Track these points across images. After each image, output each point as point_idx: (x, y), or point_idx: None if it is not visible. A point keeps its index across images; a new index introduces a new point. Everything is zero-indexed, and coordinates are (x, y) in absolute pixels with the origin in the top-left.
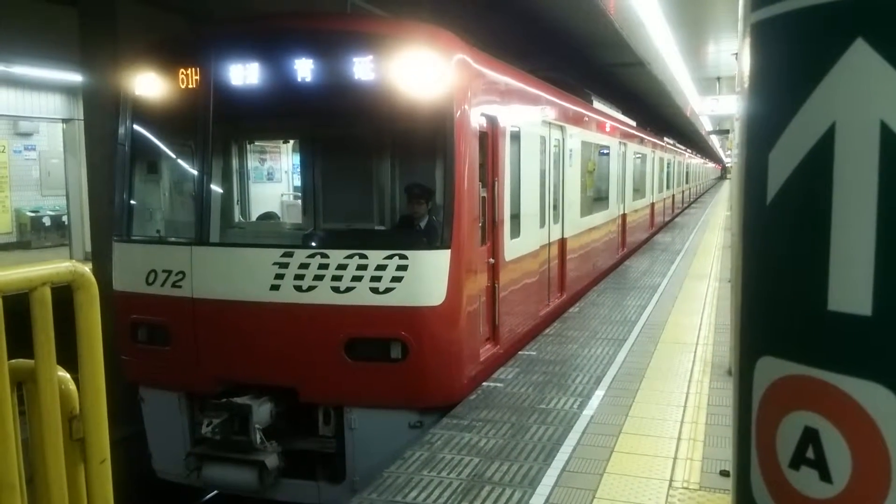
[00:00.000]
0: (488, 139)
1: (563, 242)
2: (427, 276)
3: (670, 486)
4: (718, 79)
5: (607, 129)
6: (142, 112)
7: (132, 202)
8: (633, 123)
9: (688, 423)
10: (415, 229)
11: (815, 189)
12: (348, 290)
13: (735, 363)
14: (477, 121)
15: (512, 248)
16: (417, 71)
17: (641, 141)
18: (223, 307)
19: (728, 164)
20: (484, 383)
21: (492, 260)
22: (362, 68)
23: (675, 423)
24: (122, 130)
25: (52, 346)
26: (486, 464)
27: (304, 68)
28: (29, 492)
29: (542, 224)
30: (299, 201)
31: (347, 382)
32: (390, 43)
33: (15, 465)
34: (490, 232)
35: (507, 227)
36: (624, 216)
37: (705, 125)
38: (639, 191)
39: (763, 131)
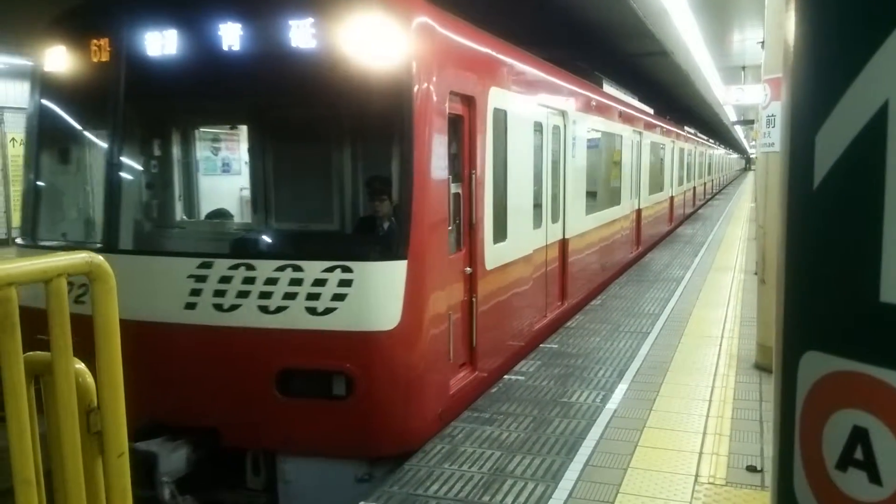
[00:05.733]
0: (464, 123)
1: (564, 244)
2: (377, 294)
3: (696, 481)
4: (743, 68)
5: (619, 116)
6: (50, 93)
7: (41, 200)
8: (651, 111)
9: (713, 417)
10: (365, 233)
11: (866, 172)
12: (279, 310)
13: (777, 359)
14: (446, 100)
15: (495, 254)
16: (367, 37)
17: (659, 130)
18: (131, 329)
19: (752, 155)
20: (505, 376)
21: (469, 269)
22: (300, 34)
23: (700, 417)
24: (30, 115)
25: (69, 339)
26: (507, 457)
27: (229, 35)
28: (46, 485)
29: (538, 224)
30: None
31: (280, 424)
32: (335, 2)
33: (31, 460)
34: (466, 235)
35: (490, 228)
36: (639, 212)
37: (730, 115)
38: (656, 183)
39: (809, 112)
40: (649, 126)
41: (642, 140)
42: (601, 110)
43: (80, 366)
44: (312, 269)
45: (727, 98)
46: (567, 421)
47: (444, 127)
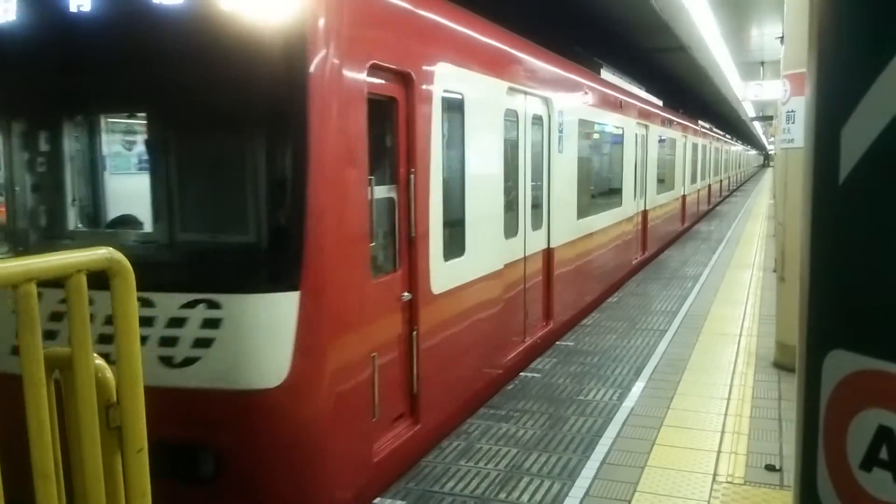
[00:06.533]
0: (397, 108)
1: (548, 254)
2: (256, 338)
3: (714, 480)
4: (762, 63)
5: (620, 107)
6: None
7: None
8: (660, 103)
9: (731, 415)
10: (241, 254)
11: (893, 166)
12: None
13: (800, 357)
14: (365, 76)
15: (447, 274)
16: None
17: (668, 123)
18: None
19: (771, 152)
20: (521, 374)
21: (407, 294)
22: None
23: (718, 415)
24: None
25: (88, 334)
26: (523, 455)
27: None
28: (65, 481)
29: (512, 233)
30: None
31: None
32: None
33: (51, 454)
34: (404, 252)
35: (438, 242)
36: (645, 213)
37: (748, 111)
38: (666, 182)
39: (834, 106)
40: (657, 119)
41: (649, 134)
42: (597, 99)
43: (100, 361)
44: (166, 303)
45: (746, 94)
46: (583, 419)
47: (362, 111)
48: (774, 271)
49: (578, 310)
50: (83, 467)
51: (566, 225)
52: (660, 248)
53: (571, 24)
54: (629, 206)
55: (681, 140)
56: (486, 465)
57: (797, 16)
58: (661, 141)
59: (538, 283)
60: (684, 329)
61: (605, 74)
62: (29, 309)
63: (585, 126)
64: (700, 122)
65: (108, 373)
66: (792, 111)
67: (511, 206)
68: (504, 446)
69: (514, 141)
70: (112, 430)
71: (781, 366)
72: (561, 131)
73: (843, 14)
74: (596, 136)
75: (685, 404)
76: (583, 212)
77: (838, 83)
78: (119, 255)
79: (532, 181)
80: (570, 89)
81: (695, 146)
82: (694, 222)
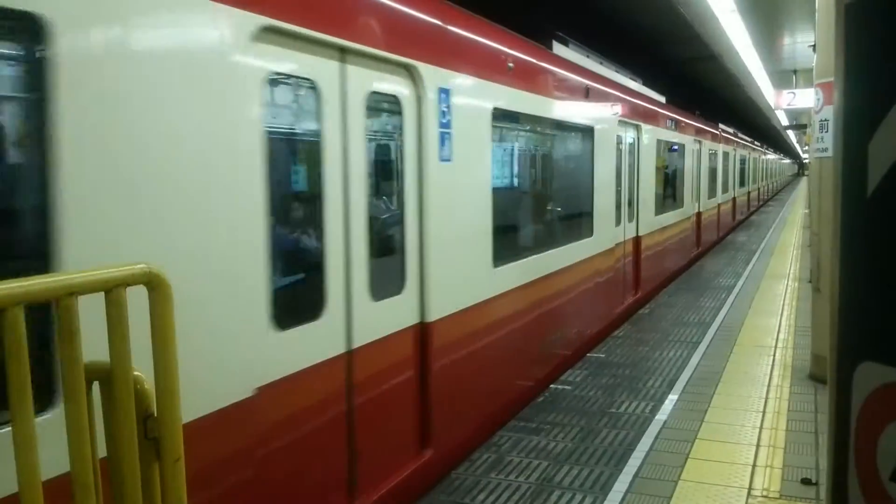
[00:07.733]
0: None
1: (422, 335)
2: None
3: (749, 494)
4: (795, 72)
5: (586, 97)
6: None
7: None
8: (662, 99)
9: (767, 429)
10: None
11: None
12: None
13: (831, 369)
14: None
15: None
16: None
17: (675, 125)
18: None
19: (805, 161)
20: (552, 385)
21: None
22: None
23: (753, 429)
24: None
25: (128, 347)
26: (555, 468)
27: None
28: (103, 489)
29: (299, 315)
30: None
31: None
32: None
33: (90, 464)
34: None
35: None
36: (637, 241)
37: (781, 120)
38: (672, 198)
39: (860, 120)
40: (656, 118)
41: (641, 137)
42: (539, 82)
43: (139, 373)
44: None
45: (778, 102)
46: (615, 431)
47: None
48: (810, 282)
49: (497, 410)
50: (122, 477)
51: (464, 281)
52: (661, 282)
53: (601, 37)
54: (607, 234)
55: (693, 146)
56: (516, 477)
57: (829, 24)
58: (662, 147)
59: (393, 397)
60: (718, 341)
61: (566, 52)
62: (70, 322)
63: (514, 120)
64: (721, 126)
65: (147, 384)
66: (825, 120)
67: (303, 261)
68: (535, 459)
69: (302, 138)
70: (149, 441)
71: (817, 378)
72: (447, 126)
73: (868, 31)
74: (538, 136)
75: (719, 417)
76: (508, 254)
77: (864, 99)
78: (157, 269)
79: (374, 212)
80: (471, 58)
81: (713, 154)
82: (711, 245)
